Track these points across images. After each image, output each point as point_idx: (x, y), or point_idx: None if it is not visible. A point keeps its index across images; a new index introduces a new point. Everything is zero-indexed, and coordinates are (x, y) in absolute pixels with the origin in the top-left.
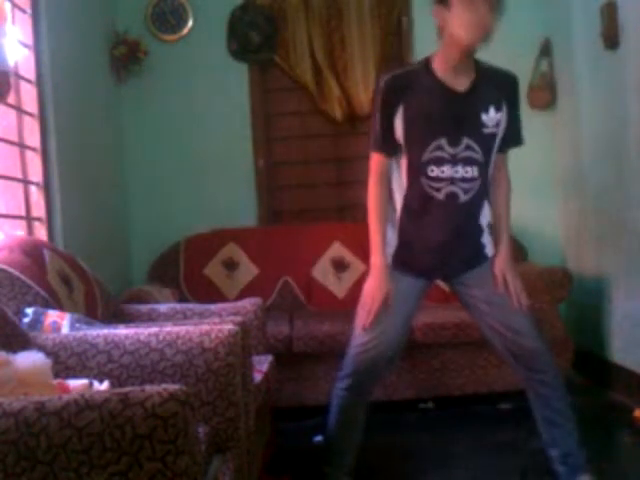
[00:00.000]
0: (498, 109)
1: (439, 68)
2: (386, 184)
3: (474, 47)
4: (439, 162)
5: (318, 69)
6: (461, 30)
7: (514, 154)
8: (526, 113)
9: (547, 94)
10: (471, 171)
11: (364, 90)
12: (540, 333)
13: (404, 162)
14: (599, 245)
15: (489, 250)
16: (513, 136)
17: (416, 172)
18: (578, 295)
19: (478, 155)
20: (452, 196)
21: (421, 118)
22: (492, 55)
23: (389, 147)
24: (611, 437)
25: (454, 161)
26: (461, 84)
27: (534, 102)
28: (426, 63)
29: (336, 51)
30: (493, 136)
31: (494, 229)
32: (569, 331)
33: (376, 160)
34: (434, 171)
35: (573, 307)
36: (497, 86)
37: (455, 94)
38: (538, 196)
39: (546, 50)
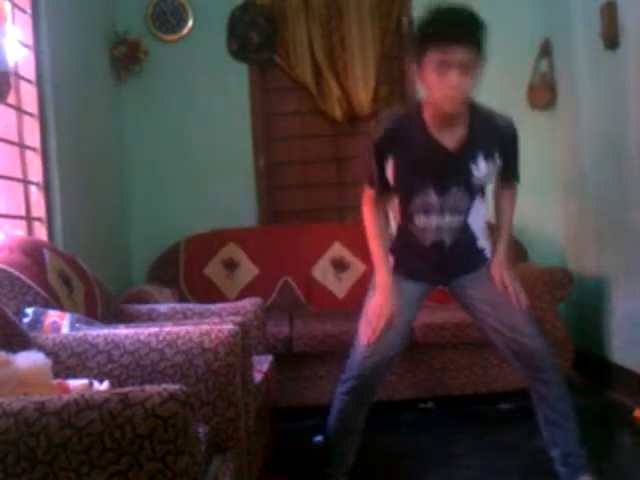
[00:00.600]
0: (488, 158)
1: (429, 120)
2: (380, 208)
3: (452, 111)
4: (427, 211)
5: (318, 69)
6: (436, 95)
7: None
8: (526, 113)
9: (547, 94)
10: (458, 220)
11: (364, 90)
12: (542, 333)
13: (396, 201)
14: (599, 245)
15: (488, 252)
16: (507, 178)
17: (405, 217)
18: (578, 295)
19: (465, 203)
20: (438, 243)
21: (409, 168)
22: (492, 55)
23: (380, 186)
24: (611, 437)
25: (441, 210)
26: (451, 139)
27: (534, 102)
28: (418, 110)
29: (336, 51)
30: (484, 184)
31: (496, 230)
32: (569, 331)
33: (368, 193)
34: (421, 219)
35: (573, 307)
36: (491, 136)
37: (444, 150)
38: (538, 196)
39: (546, 50)
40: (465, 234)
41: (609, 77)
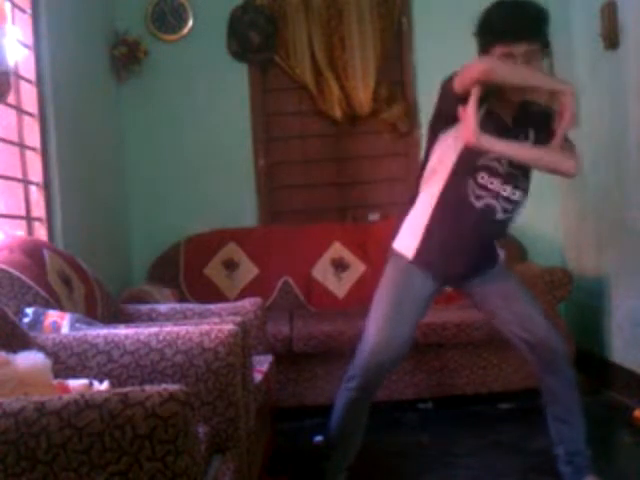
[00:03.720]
0: (539, 135)
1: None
2: None
3: (516, 99)
4: (492, 172)
5: (318, 69)
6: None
7: None
8: None
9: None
10: (517, 195)
11: (364, 90)
12: (555, 325)
13: (454, 156)
14: (599, 245)
15: (500, 254)
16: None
17: (466, 172)
18: (578, 295)
19: (524, 183)
20: (489, 210)
21: (491, 122)
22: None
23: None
24: (611, 437)
25: (505, 179)
26: (507, 117)
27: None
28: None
29: (336, 51)
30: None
31: None
32: (569, 331)
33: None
34: (484, 178)
35: (573, 307)
36: (533, 117)
37: (506, 124)
38: (538, 196)
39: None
40: (503, 227)
41: (609, 77)
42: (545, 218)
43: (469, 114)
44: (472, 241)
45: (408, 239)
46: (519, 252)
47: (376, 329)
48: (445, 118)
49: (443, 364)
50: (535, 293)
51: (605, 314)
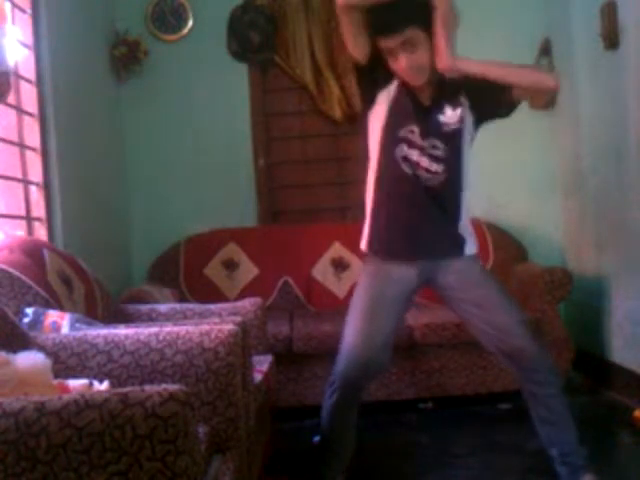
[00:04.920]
0: (455, 106)
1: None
2: None
3: (417, 84)
4: (410, 144)
5: (318, 69)
6: (397, 74)
7: (514, 154)
8: (526, 113)
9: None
10: (436, 166)
11: None
12: (530, 332)
13: (378, 134)
14: (599, 245)
15: (468, 248)
16: (495, 103)
17: (390, 145)
18: (578, 295)
19: (443, 153)
20: (417, 178)
21: (404, 101)
22: (492, 55)
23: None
24: (611, 437)
25: (422, 151)
26: (425, 96)
27: (534, 102)
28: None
29: (336, 51)
30: (458, 132)
31: None
32: (569, 331)
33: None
34: (404, 151)
35: (573, 307)
36: (451, 84)
37: (420, 102)
38: (538, 196)
39: (546, 50)
40: (446, 201)
41: (609, 77)
42: (545, 218)
43: (439, 40)
44: (416, 214)
45: (364, 236)
46: (519, 252)
47: (353, 331)
48: (363, 100)
49: (443, 364)
50: (535, 293)
51: (605, 314)
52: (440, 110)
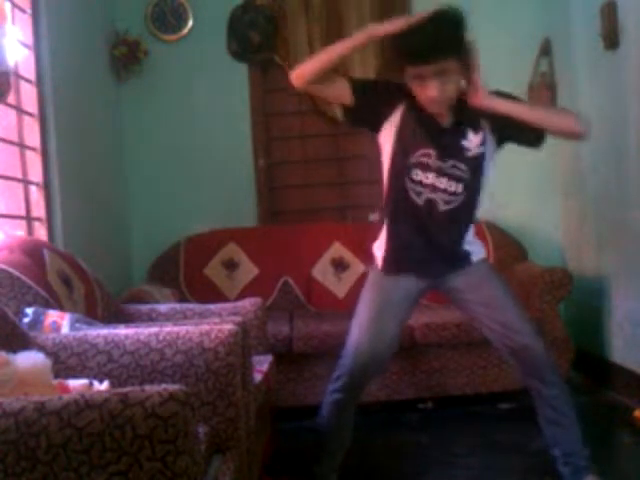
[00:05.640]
0: (476, 129)
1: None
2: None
3: (437, 112)
4: (425, 167)
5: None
6: (419, 99)
7: (514, 154)
8: None
9: (547, 94)
10: (455, 186)
11: None
12: (538, 333)
13: (388, 161)
14: (599, 245)
15: (475, 256)
16: (524, 133)
17: (401, 172)
18: (578, 295)
19: (465, 174)
20: (431, 203)
21: (414, 125)
22: (492, 55)
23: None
24: (611, 437)
25: (439, 172)
26: (443, 119)
27: (534, 102)
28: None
29: None
30: (481, 155)
31: None
32: (569, 331)
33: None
34: (419, 175)
35: (573, 307)
36: (471, 108)
37: (438, 124)
38: (538, 196)
39: (546, 50)
40: (461, 221)
41: (609, 77)
42: (545, 218)
43: (476, 76)
44: (428, 238)
45: (378, 250)
46: (519, 252)
47: (359, 332)
48: (369, 130)
49: (443, 364)
50: (535, 293)
51: (605, 314)
52: (462, 134)
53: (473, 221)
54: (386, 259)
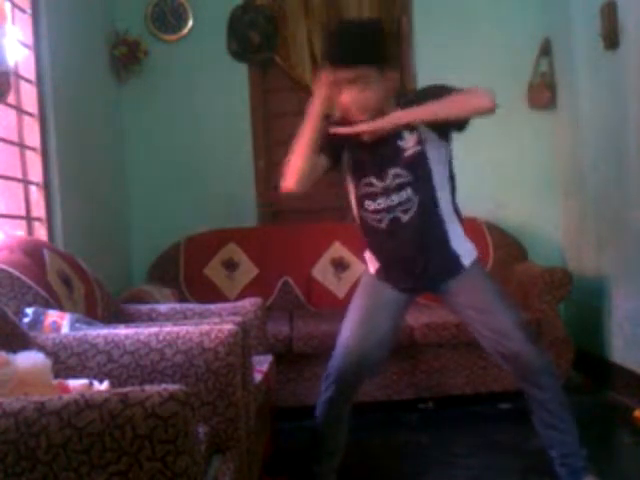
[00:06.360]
0: (411, 128)
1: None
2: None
3: (353, 119)
4: (372, 196)
5: (318, 69)
6: (342, 111)
7: (514, 154)
8: (526, 113)
9: (547, 94)
10: (405, 194)
11: None
12: (530, 336)
13: (352, 197)
14: (599, 245)
15: (466, 259)
16: (450, 123)
17: (358, 205)
18: (578, 295)
19: (407, 178)
20: (394, 221)
21: (351, 161)
22: (492, 55)
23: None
24: (611, 437)
25: (387, 193)
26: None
27: (534, 102)
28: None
29: None
30: (420, 154)
31: None
32: (569, 331)
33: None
34: (371, 205)
35: (573, 307)
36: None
37: (369, 142)
38: (538, 196)
39: (546, 50)
40: (429, 225)
41: (609, 77)
42: (545, 218)
43: (342, 130)
44: (406, 254)
45: (369, 260)
46: (519, 252)
47: (349, 332)
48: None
49: (443, 364)
50: (535, 293)
51: (605, 314)
52: (397, 135)
53: (444, 222)
54: (380, 274)
